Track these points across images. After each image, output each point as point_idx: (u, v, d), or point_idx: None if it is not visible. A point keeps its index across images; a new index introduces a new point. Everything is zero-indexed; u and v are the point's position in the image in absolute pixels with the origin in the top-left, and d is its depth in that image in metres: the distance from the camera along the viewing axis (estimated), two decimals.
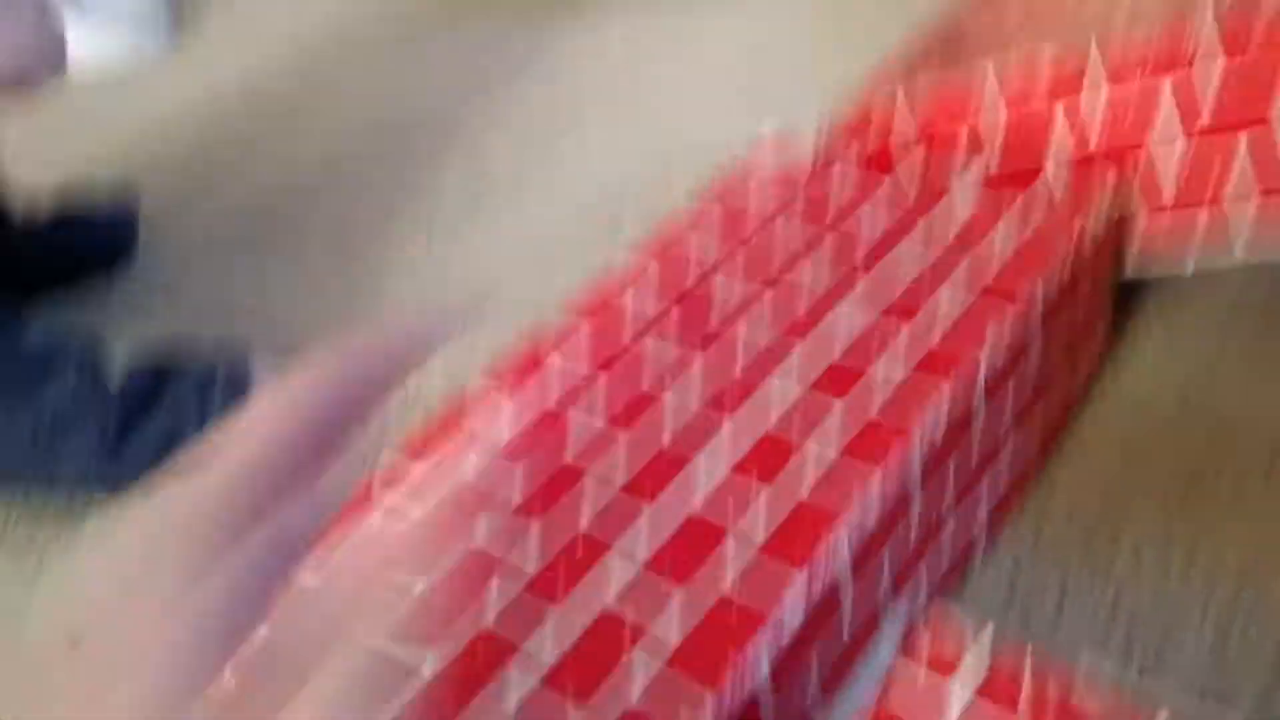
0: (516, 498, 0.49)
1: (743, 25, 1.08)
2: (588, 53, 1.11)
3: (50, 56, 0.71)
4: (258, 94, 1.18)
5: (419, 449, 0.53)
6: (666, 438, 0.51)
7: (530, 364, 0.57)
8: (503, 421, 0.54)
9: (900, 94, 0.68)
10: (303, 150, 1.04)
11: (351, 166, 1.00)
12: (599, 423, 0.52)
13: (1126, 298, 0.67)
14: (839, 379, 0.52)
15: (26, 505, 0.70)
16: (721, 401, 0.52)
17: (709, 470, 0.48)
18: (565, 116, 1.01)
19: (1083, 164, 0.61)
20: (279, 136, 1.08)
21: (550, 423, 0.53)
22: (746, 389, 0.52)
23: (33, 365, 0.68)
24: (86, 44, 1.27)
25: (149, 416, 0.69)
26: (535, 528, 0.48)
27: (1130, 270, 0.63)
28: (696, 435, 0.50)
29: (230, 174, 1.03)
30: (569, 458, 0.51)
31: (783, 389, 0.52)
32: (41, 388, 0.67)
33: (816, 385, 0.52)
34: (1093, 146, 0.60)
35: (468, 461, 0.53)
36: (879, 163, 0.67)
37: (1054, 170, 0.61)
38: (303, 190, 0.98)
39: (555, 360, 0.57)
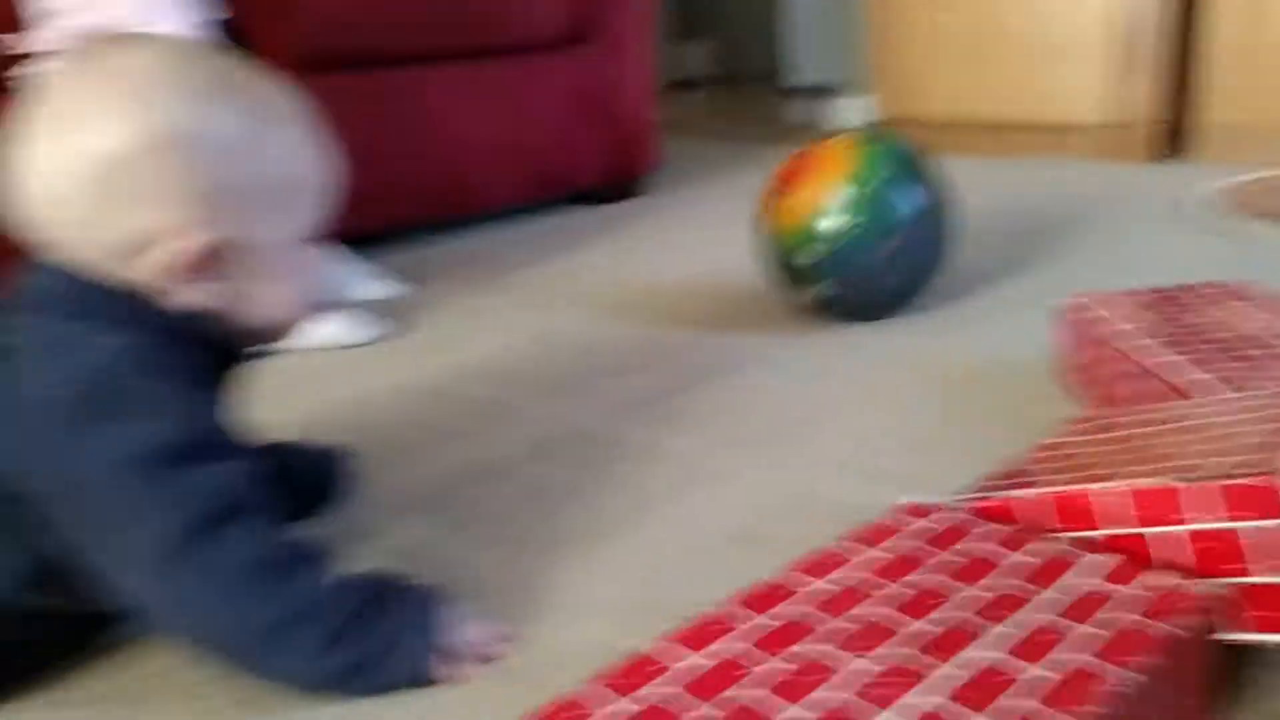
0: None
1: (880, 410, 1.25)
2: (743, 393, 1.30)
3: (304, 316, 0.84)
4: (456, 387, 1.40)
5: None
6: None
7: (711, 632, 0.68)
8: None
9: (1018, 489, 0.81)
10: (489, 443, 1.21)
11: (528, 466, 1.15)
12: (761, 692, 0.62)
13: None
14: (976, 696, 0.61)
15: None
16: (874, 696, 0.61)
17: None
18: (715, 449, 1.16)
19: (1188, 569, 0.71)
20: (469, 428, 1.26)
21: (722, 682, 0.63)
22: (895, 694, 0.61)
23: (289, 558, 0.71)
24: (331, 322, 1.53)
25: (367, 629, 0.71)
26: None
27: (1236, 641, 0.71)
28: None
29: (424, 453, 1.19)
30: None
31: (927, 700, 0.61)
32: (290, 581, 0.69)
33: (955, 697, 0.61)
34: (1189, 560, 0.72)
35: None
36: (1005, 540, 0.79)
37: (1156, 574, 0.72)
38: (482, 479, 1.12)
39: (729, 641, 0.67)
